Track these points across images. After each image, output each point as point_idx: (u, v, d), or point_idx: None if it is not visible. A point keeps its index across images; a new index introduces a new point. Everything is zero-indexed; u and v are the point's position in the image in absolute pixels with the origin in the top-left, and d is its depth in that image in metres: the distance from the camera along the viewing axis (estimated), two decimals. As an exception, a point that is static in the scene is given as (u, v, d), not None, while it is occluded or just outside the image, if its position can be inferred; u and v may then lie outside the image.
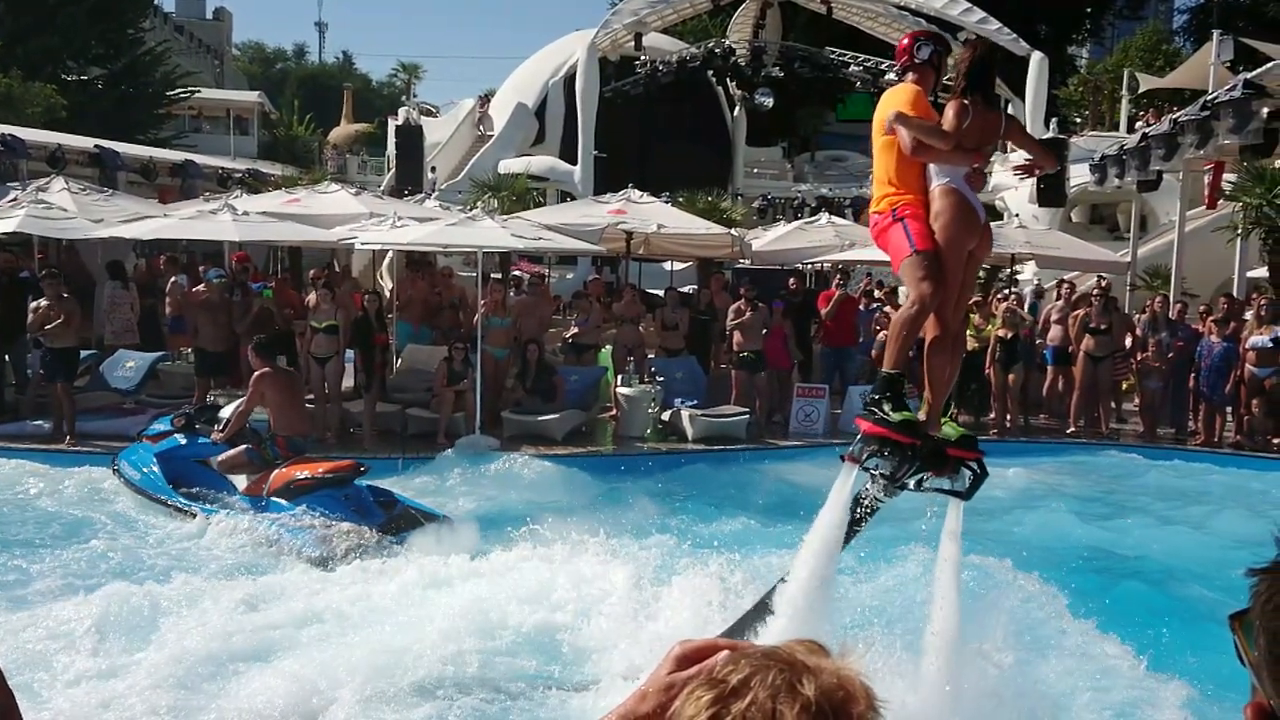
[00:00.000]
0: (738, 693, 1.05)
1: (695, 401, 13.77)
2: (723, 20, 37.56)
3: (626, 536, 8.72)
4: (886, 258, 5.28)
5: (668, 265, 20.69)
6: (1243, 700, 1.14)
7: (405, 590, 7.77)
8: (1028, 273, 19.61)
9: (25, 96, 27.25)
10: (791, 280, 16.33)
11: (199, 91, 42.34)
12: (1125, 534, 10.31)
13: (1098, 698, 6.16)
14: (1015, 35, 26.92)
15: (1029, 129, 13.98)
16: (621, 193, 17.23)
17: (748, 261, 18.45)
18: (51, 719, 5.71)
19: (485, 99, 33.45)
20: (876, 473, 5.02)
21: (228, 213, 14.13)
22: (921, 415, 5.11)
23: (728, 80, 34.99)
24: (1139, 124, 24.21)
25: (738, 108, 35.46)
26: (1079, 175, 20.77)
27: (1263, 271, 17.25)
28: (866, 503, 5.11)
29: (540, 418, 12.99)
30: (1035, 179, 14.35)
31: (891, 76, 33.28)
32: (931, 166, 5.01)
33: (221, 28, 66.67)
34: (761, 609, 5.44)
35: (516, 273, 19.55)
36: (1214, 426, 13.94)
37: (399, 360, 14.39)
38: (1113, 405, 14.86)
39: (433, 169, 29.48)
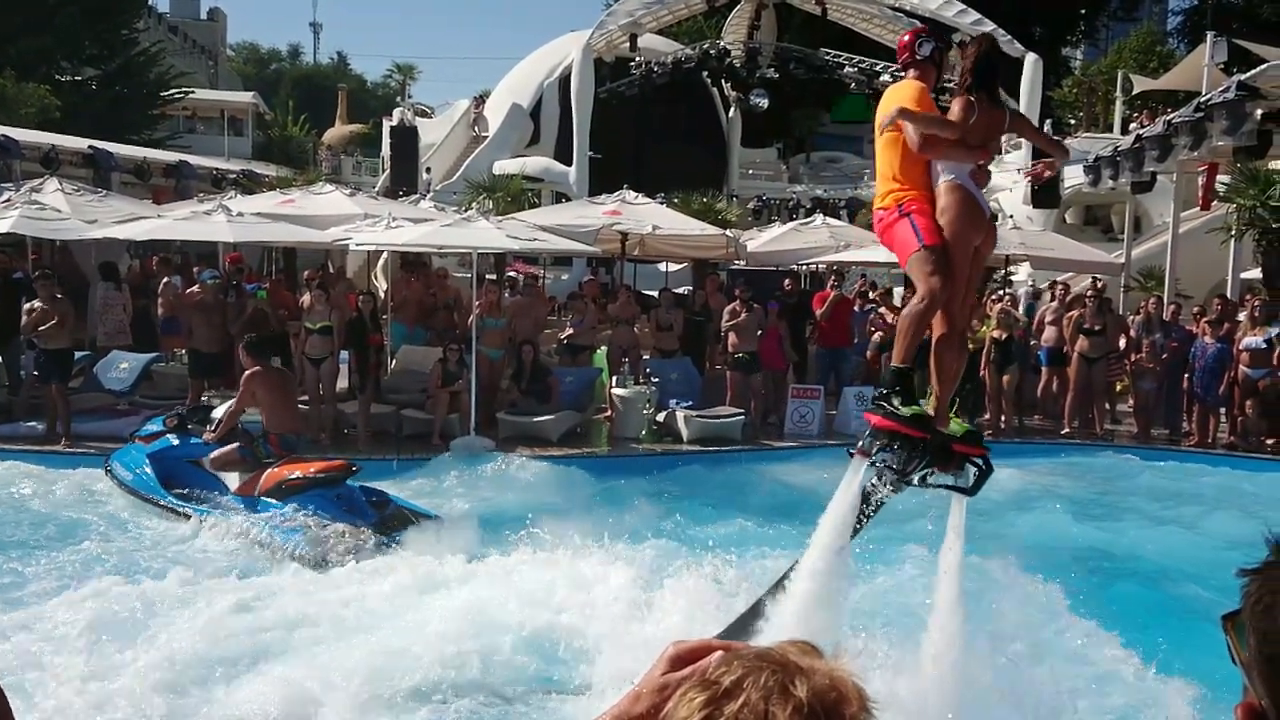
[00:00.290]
0: (730, 694, 1.05)
1: (690, 402, 13.78)
2: (718, 21, 37.57)
3: (622, 538, 8.70)
4: (881, 258, 5.29)
5: (663, 266, 20.70)
6: (1236, 700, 1.14)
7: (400, 592, 7.75)
8: (1022, 274, 19.65)
9: (19, 97, 27.19)
10: (786, 281, 16.34)
11: (193, 92, 42.28)
12: (1120, 535, 10.33)
13: (1096, 701, 6.17)
14: (1010, 37, 26.91)
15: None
16: (616, 194, 17.22)
17: (743, 262, 18.46)
18: (43, 720, 5.70)
19: (480, 100, 33.44)
20: (885, 468, 5.00)
21: (222, 214, 14.10)
22: (929, 410, 5.10)
23: (722, 81, 35.03)
24: (1133, 125, 24.27)
25: (733, 109, 35.50)
26: (1073, 177, 20.81)
27: (1256, 273, 17.29)
28: (874, 500, 5.09)
29: (535, 419, 12.99)
30: (1030, 180, 14.37)
31: (887, 78, 33.36)
32: (936, 163, 5.02)
33: (216, 28, 66.60)
34: (758, 610, 5.43)
35: (512, 274, 19.57)
36: (1208, 427, 13.97)
37: (394, 361, 14.38)
38: (1107, 406, 14.89)
39: (428, 170, 29.45)
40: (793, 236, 17.84)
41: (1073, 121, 35.11)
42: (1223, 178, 16.99)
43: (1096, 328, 14.12)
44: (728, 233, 17.89)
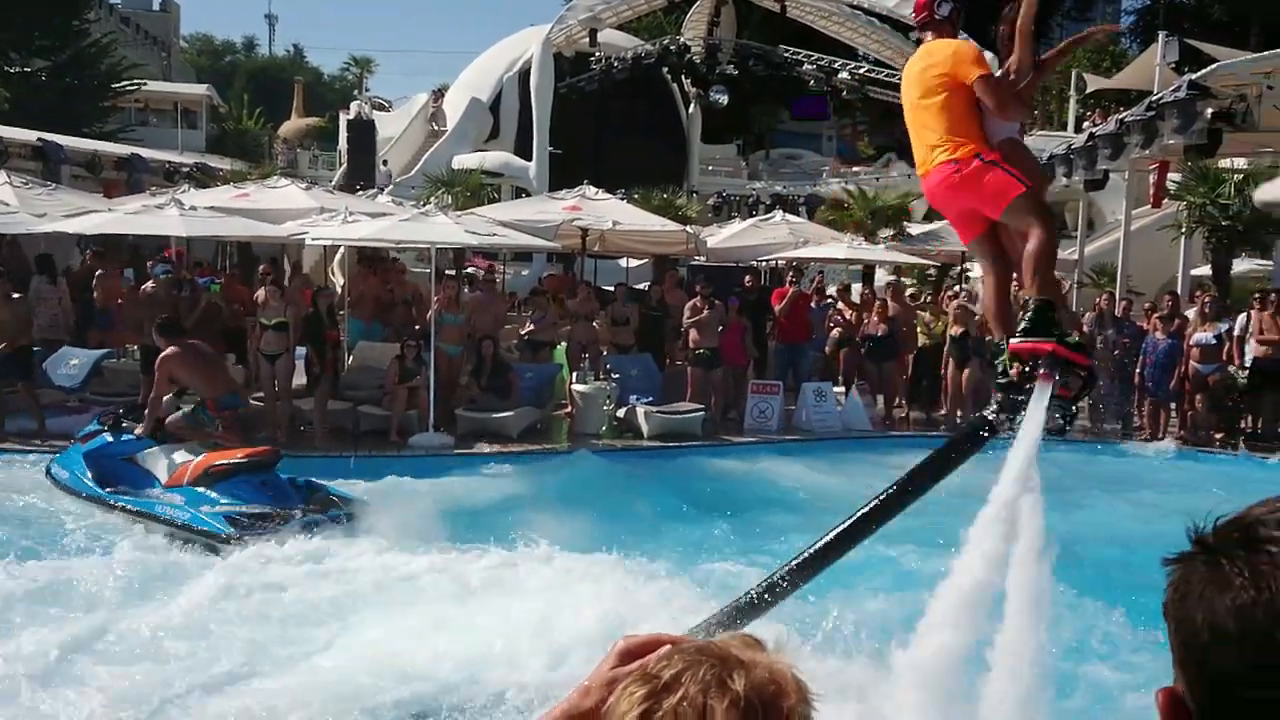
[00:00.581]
0: (669, 688, 1.06)
1: (650, 398, 13.80)
2: (677, 17, 37.67)
3: (581, 534, 8.67)
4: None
5: (623, 262, 20.70)
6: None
7: (321, 578, 7.67)
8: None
9: (-35, 88, 26.65)
10: (746, 277, 16.39)
11: (145, 84, 41.61)
12: (1077, 527, 10.47)
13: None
14: (967, 35, 27.22)
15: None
16: (577, 189, 17.20)
17: (703, 258, 18.52)
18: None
19: (439, 94, 33.17)
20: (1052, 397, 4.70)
21: (174, 208, 13.89)
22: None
23: (682, 77, 35.09)
24: (1086, 124, 24.61)
25: (692, 105, 35.57)
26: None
27: (1206, 269, 17.64)
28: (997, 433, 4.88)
29: (495, 415, 12.94)
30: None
31: (845, 75, 33.59)
32: (991, 121, 5.02)
33: (169, 19, 65.53)
34: (746, 607, 5.25)
35: (470, 269, 19.44)
36: (1159, 422, 14.22)
37: (350, 357, 14.24)
38: (1061, 401, 15.07)
39: (385, 164, 29.22)
40: (752, 233, 17.91)
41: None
42: (1174, 176, 17.27)
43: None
44: (688, 229, 17.91)
